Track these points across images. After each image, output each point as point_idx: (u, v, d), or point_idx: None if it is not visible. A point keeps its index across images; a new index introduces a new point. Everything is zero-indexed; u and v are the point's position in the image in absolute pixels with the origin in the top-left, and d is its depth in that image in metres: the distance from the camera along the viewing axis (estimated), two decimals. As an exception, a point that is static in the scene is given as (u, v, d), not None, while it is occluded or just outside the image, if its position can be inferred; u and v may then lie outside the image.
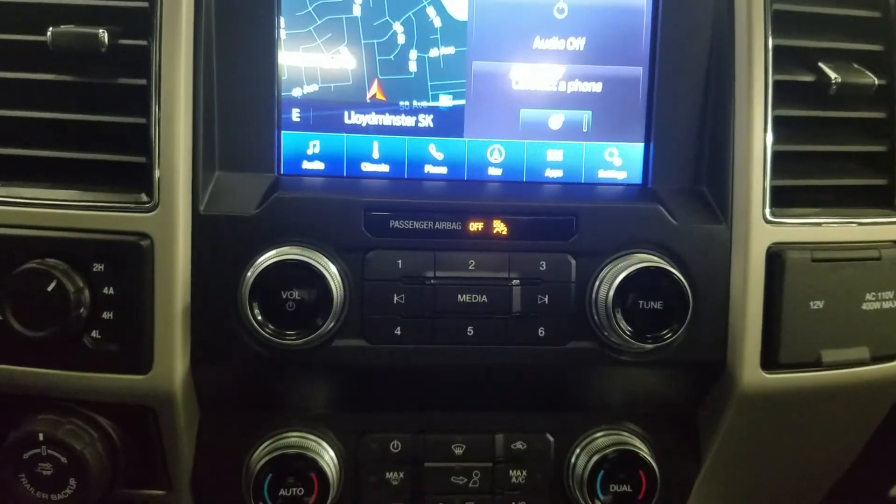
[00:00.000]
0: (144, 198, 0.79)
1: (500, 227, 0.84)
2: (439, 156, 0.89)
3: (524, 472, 0.92)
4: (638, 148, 0.90)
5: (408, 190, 0.87)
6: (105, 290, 0.78)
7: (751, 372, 0.86)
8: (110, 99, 0.81)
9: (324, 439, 0.89)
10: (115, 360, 0.79)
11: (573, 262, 0.84)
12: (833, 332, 0.86)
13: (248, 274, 0.77)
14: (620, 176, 0.91)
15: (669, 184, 0.89)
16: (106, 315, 0.79)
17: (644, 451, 0.89)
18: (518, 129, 0.89)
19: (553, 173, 0.90)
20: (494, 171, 0.90)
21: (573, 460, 0.91)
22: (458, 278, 0.83)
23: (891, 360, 0.90)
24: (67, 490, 0.79)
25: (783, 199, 0.86)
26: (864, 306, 0.86)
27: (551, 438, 0.92)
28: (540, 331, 0.84)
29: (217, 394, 0.87)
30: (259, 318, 0.77)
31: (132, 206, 0.79)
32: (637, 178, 0.91)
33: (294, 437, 0.88)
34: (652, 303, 0.81)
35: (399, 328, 0.83)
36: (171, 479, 0.88)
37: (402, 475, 0.90)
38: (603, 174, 0.91)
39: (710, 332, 0.86)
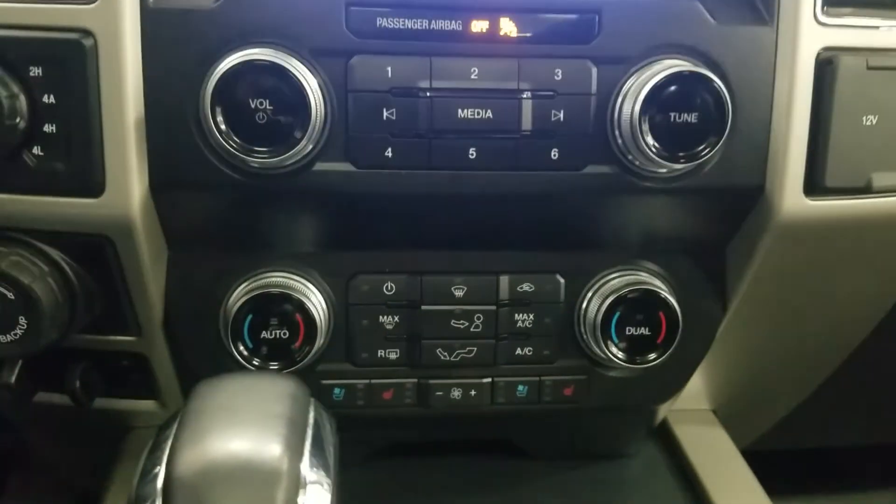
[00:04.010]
0: (84, -13, 0.67)
1: (508, 27, 0.71)
2: (436, -56, 0.75)
3: (531, 316, 0.83)
4: (673, -66, 0.77)
5: (398, -18, 0.74)
6: (45, 99, 0.67)
7: (792, 198, 0.76)
8: None
9: (310, 280, 0.80)
10: (62, 181, 0.69)
11: (594, 69, 0.72)
12: (887, 153, 0.76)
13: (210, 78, 0.66)
14: (651, -31, 0.78)
15: None
16: (48, 128, 0.68)
17: (664, 291, 0.81)
18: None
19: (571, -34, 0.77)
20: (502, -37, 0.76)
21: (584, 304, 0.83)
22: (459, 90, 0.71)
23: (950, 186, 0.80)
24: (17, 330, 0.71)
25: (838, -1, 0.75)
26: (925, 122, 0.76)
27: (561, 280, 0.83)
28: (553, 153, 0.73)
29: (185, 227, 0.77)
30: (223, 127, 0.66)
31: None
32: (670, -28, 0.78)
33: (277, 277, 0.79)
34: (685, 115, 0.70)
35: (390, 149, 0.72)
36: (141, 322, 0.80)
37: (397, 319, 0.82)
38: (631, -33, 0.78)
39: (748, 152, 0.75)
